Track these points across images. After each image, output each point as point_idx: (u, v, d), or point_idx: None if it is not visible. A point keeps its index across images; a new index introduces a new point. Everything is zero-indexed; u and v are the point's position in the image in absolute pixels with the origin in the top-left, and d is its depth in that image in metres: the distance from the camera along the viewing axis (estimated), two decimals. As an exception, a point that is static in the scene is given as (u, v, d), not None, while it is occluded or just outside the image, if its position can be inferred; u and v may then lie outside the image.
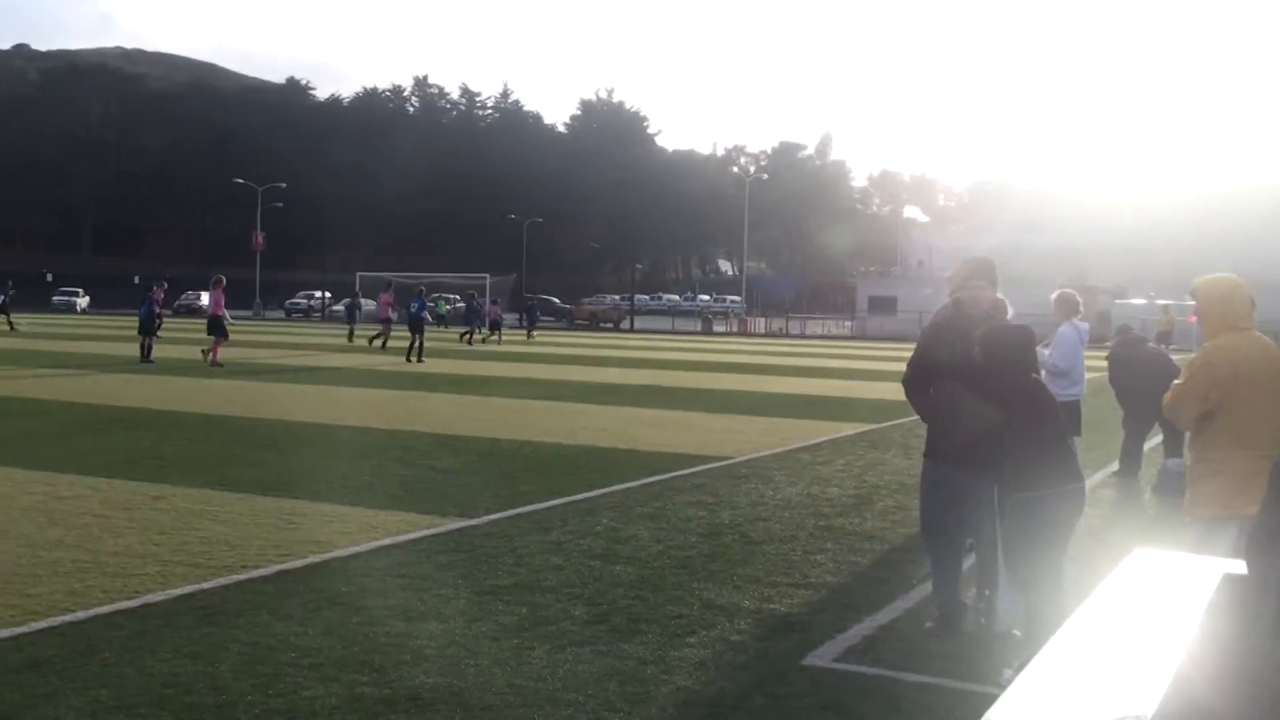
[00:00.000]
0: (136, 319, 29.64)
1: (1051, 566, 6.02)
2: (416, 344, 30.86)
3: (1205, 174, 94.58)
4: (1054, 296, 11.77)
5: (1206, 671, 1.68)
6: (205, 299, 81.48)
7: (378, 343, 37.06)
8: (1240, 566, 2.03)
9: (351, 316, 48.00)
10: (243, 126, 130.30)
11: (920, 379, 6.97)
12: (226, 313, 28.73)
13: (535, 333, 53.99)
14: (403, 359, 30.76)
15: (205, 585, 7.38)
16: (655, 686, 5.73)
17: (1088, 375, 12.14)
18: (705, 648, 6.38)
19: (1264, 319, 6.28)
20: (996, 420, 6.10)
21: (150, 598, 7.04)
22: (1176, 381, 5.96)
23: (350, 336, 43.64)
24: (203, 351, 28.02)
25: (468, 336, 44.59)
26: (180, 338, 38.32)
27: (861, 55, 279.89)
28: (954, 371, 6.50)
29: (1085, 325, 11.83)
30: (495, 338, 46.60)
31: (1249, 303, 5.80)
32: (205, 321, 29.58)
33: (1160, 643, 1.68)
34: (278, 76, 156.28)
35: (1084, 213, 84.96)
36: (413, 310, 32.11)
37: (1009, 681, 6.19)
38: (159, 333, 28.59)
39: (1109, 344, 14.76)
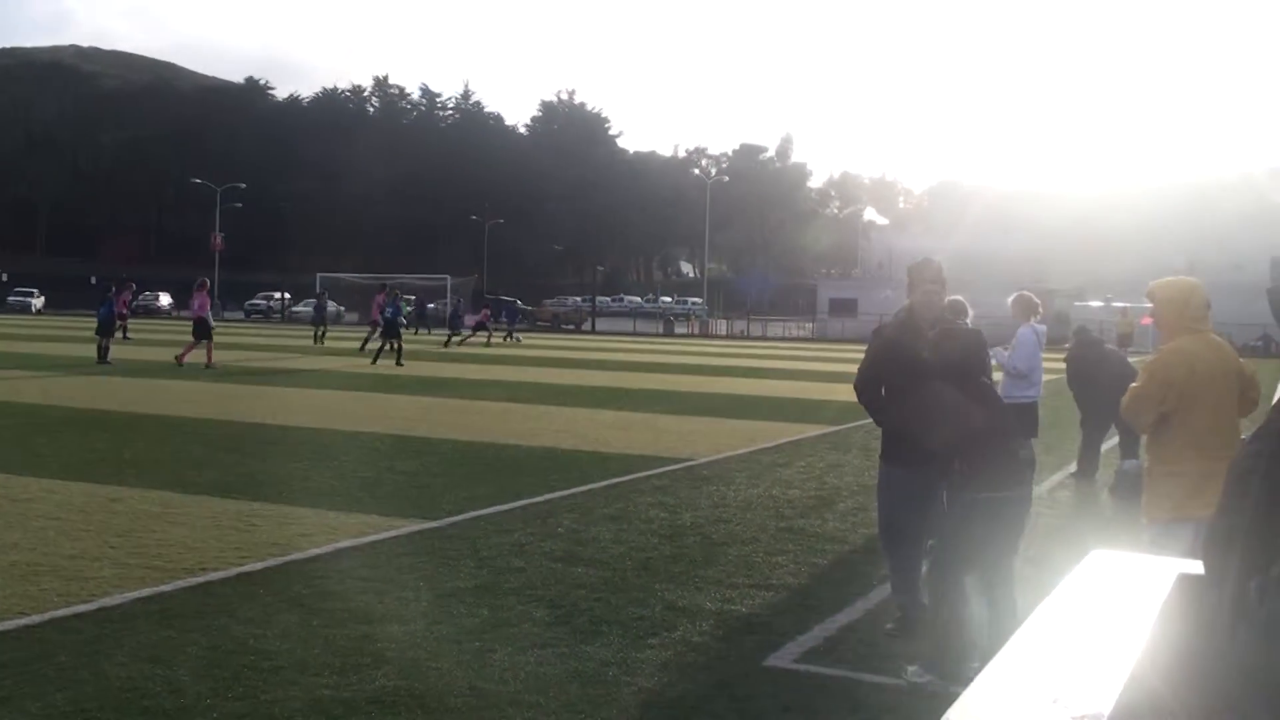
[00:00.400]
0: (94, 319, 29.36)
1: (1001, 568, 6.05)
2: (394, 347, 30.37)
3: (1164, 176, 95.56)
4: (1012, 299, 11.86)
5: (1162, 671, 1.70)
6: (164, 300, 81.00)
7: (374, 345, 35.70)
8: (1196, 567, 2.05)
9: (319, 318, 46.92)
10: (201, 126, 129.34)
11: (874, 383, 6.97)
12: (210, 314, 28.43)
13: (517, 334, 52.72)
14: (389, 363, 30.10)
15: (163, 588, 7.32)
16: (617, 688, 5.73)
17: (1046, 377, 12.24)
18: (667, 649, 6.39)
19: (1219, 321, 6.36)
20: (980, 420, 6.11)
21: (107, 600, 6.98)
22: (1134, 384, 6.01)
23: (318, 339, 42.87)
24: (175, 358, 27.59)
25: (456, 339, 44.27)
26: (145, 339, 37.98)
27: (822, 57, 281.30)
28: (913, 373, 6.49)
29: (1043, 327, 11.93)
30: (485, 339, 46.37)
31: (1205, 305, 5.87)
32: (191, 323, 29.18)
33: (1117, 643, 1.70)
34: (237, 76, 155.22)
35: (1043, 215, 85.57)
36: (387, 314, 31.61)
37: (915, 676, 6.18)
38: (128, 335, 28.22)
39: (1067, 345, 14.88)
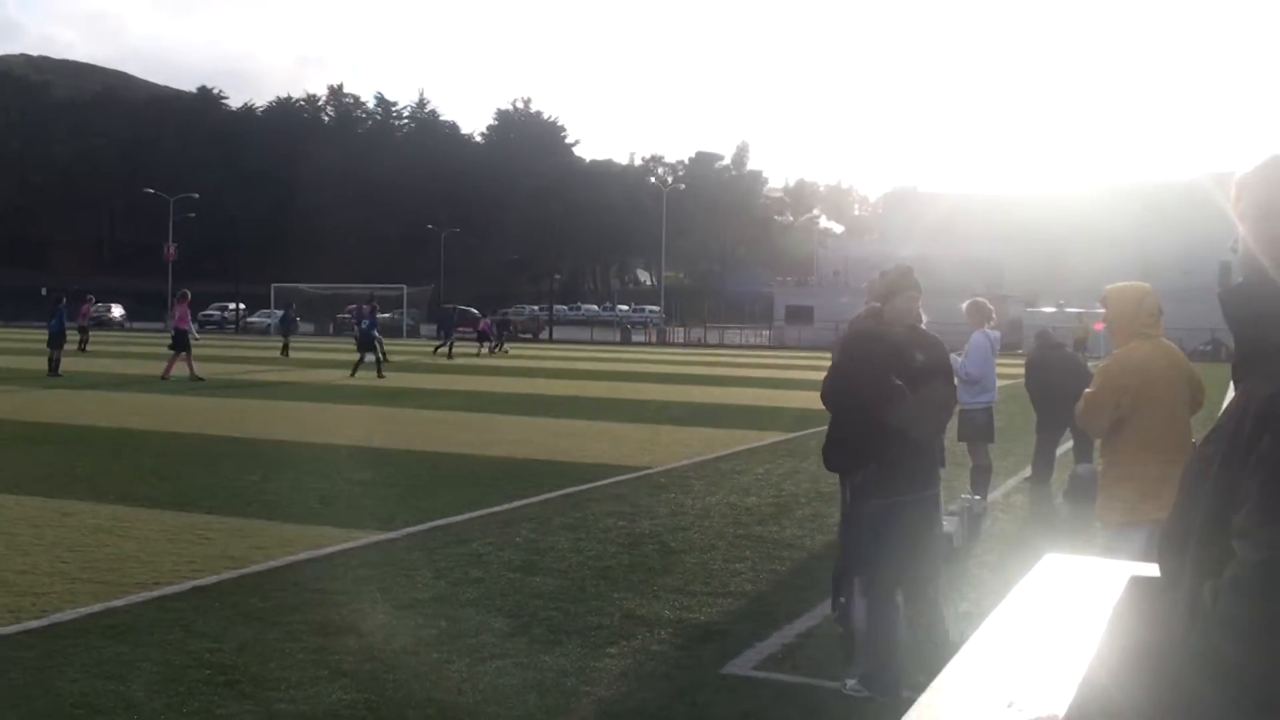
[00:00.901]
0: (45, 331, 28.98)
1: (912, 574, 5.97)
2: (375, 359, 29.34)
3: (1116, 179, 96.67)
4: (966, 305, 11.95)
5: (1115, 673, 1.71)
6: (116, 311, 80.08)
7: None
8: (1148, 569, 2.07)
9: (286, 329, 45.18)
10: (154, 135, 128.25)
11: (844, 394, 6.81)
12: (193, 326, 28.02)
13: (507, 346, 51.52)
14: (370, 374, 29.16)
15: (115, 603, 7.23)
16: (575, 698, 5.72)
17: (1001, 383, 12.33)
18: (625, 658, 6.38)
19: (1169, 326, 6.43)
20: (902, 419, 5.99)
21: (59, 616, 6.88)
22: (1088, 390, 6.06)
23: (284, 351, 41.50)
24: (163, 377, 26.92)
25: (443, 348, 44.02)
26: (99, 351, 37.51)
27: (778, 65, 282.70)
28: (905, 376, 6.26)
29: (997, 333, 12.01)
30: (484, 350, 47.02)
31: (1156, 310, 5.94)
32: (170, 335, 28.68)
33: (1071, 645, 1.72)
34: (190, 85, 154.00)
35: (998, 220, 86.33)
36: (363, 327, 30.80)
37: (852, 690, 6.15)
38: (87, 348, 27.70)
39: (1021, 350, 15.01)
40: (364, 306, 32.15)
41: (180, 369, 26.95)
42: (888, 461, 5.95)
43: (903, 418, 6.05)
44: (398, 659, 6.20)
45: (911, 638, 6.00)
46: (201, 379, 26.50)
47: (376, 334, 30.32)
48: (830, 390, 6.49)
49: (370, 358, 29.71)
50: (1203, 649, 1.62)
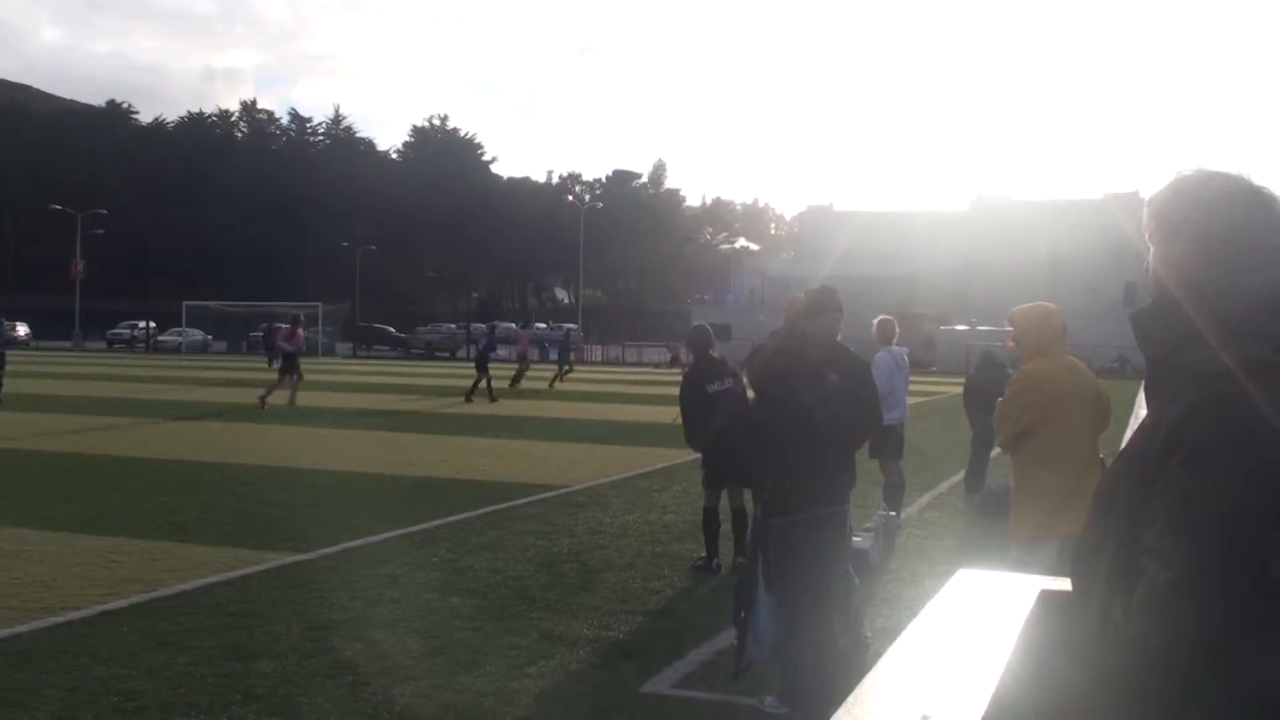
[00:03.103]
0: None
1: (817, 591, 5.96)
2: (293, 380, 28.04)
3: (1027, 201, 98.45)
4: (875, 323, 12.14)
5: (1026, 686, 1.74)
6: (21, 330, 78.17)
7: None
8: (1058, 584, 2.11)
9: (269, 347, 42.35)
10: (60, 150, 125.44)
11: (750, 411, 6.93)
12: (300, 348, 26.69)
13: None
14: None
15: (19, 628, 7.06)
16: (494, 719, 5.68)
17: (914, 400, 12.49)
18: (544, 678, 6.36)
19: (1077, 343, 6.57)
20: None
21: (-40, 644, 6.70)
22: (999, 400, 6.22)
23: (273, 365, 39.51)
24: (261, 399, 25.25)
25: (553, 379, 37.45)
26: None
27: (695, 83, 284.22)
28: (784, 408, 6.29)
29: (902, 349, 12.18)
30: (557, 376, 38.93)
31: (1061, 329, 6.10)
32: (278, 357, 27.54)
33: (984, 660, 1.74)
34: (98, 100, 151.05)
35: (910, 239, 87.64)
36: (289, 349, 29.23)
37: (771, 708, 6.15)
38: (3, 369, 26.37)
39: (934, 368, 15.24)
40: (282, 327, 30.47)
41: (278, 398, 25.39)
42: (791, 479, 5.99)
43: (810, 436, 6.08)
44: (311, 683, 6.12)
45: (828, 654, 6.02)
46: (294, 405, 25.21)
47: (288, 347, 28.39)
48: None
49: (484, 381, 29.38)
50: (1110, 666, 1.66)
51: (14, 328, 79.07)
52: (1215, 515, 1.59)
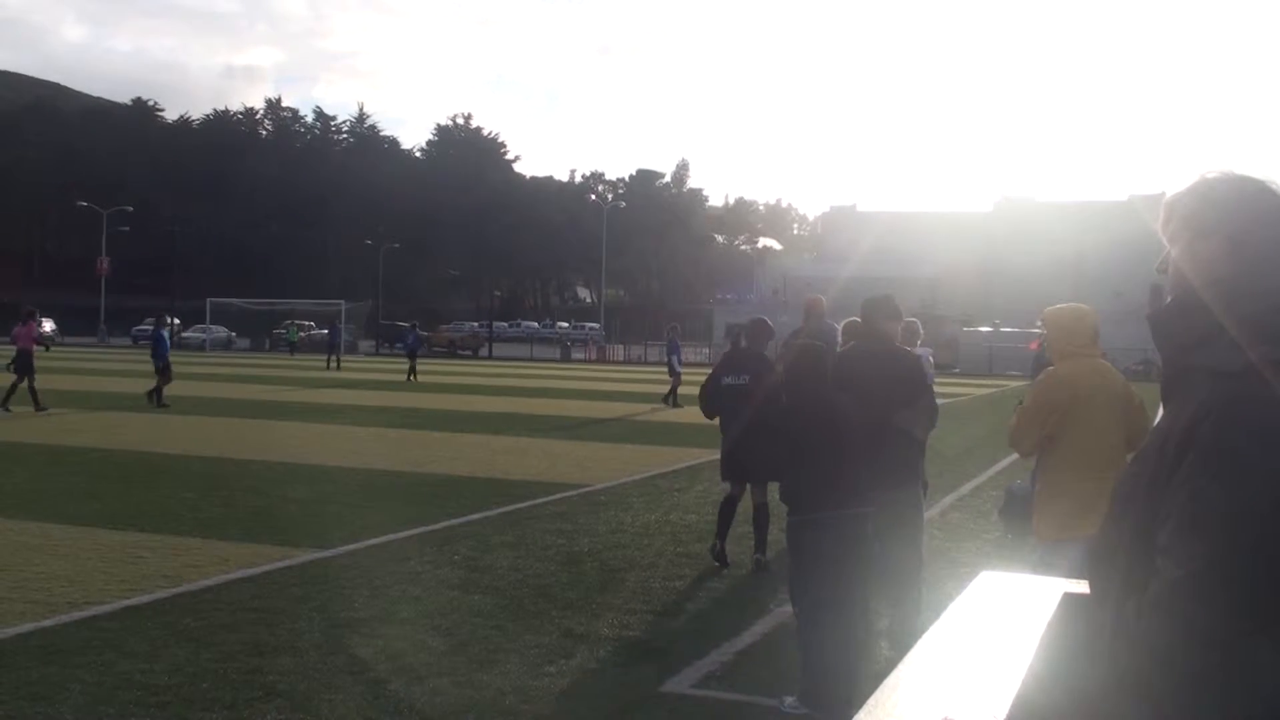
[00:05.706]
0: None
1: (839, 591, 5.93)
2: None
3: (1052, 202, 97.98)
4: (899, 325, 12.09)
5: (1048, 690, 1.74)
6: (47, 326, 78.68)
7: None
8: (1080, 586, 2.11)
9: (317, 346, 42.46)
10: (87, 147, 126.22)
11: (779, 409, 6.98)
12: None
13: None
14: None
15: (45, 623, 7.11)
16: (514, 718, 5.69)
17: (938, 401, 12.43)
18: (564, 677, 6.36)
19: (1104, 346, 6.51)
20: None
21: (-14, 637, 6.76)
22: (1021, 406, 6.16)
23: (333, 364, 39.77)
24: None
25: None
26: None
27: (719, 83, 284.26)
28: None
29: (926, 350, 12.16)
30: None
31: (1093, 332, 6.04)
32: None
33: (1005, 661, 1.74)
34: (124, 97, 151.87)
35: (934, 240, 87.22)
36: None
37: (790, 709, 6.13)
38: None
39: (957, 369, 15.17)
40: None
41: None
42: (805, 478, 5.99)
43: (828, 436, 6.10)
44: (333, 679, 6.14)
45: (848, 655, 6.01)
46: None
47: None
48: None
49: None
50: (1126, 667, 1.65)
51: (41, 324, 79.69)
52: (1227, 514, 1.59)
